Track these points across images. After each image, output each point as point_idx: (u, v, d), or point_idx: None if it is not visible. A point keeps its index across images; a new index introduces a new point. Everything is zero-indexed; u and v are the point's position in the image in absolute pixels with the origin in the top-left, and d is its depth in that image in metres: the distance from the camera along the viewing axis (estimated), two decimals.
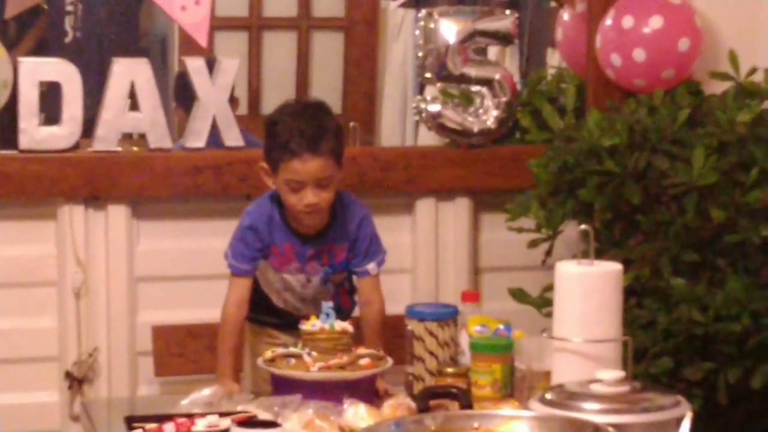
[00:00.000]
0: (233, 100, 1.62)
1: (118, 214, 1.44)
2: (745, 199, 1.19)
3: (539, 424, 0.68)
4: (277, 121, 1.16)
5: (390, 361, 1.03)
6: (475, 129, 1.57)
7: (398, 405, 0.91)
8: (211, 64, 1.50)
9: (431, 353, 1.03)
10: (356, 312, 1.24)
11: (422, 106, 1.60)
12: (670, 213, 1.23)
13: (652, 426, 0.69)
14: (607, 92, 1.54)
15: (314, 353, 0.97)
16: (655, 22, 1.46)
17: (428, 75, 1.59)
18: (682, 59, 1.49)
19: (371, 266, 1.20)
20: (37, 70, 1.44)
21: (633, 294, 1.18)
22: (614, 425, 0.63)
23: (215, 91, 1.47)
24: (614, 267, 0.90)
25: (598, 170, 1.26)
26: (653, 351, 1.14)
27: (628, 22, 1.47)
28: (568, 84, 1.70)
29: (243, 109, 2.20)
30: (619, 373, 0.74)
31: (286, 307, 1.23)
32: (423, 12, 1.65)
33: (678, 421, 0.68)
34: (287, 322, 1.21)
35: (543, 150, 1.44)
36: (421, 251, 1.59)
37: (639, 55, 1.46)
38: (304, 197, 1.10)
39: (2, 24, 2.10)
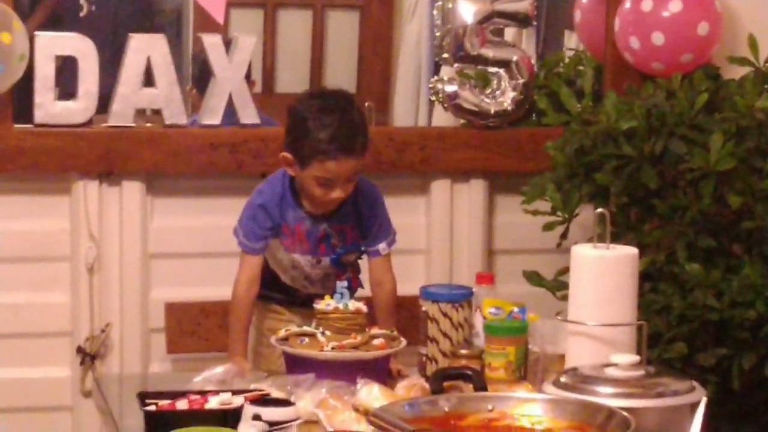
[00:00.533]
0: (250, 81, 1.61)
1: (132, 189, 1.45)
2: (762, 186, 1.18)
3: (553, 406, 0.68)
4: (306, 116, 1.13)
5: (403, 341, 1.03)
6: (492, 110, 1.56)
7: (412, 386, 0.91)
8: (227, 43, 1.49)
9: (445, 334, 1.04)
10: (365, 292, 1.24)
11: (439, 86, 1.58)
12: (687, 198, 1.22)
13: (667, 411, 0.69)
14: (625, 75, 1.53)
15: (328, 333, 0.97)
16: (675, 6, 1.45)
17: (445, 55, 1.57)
18: (700, 43, 1.47)
19: (382, 246, 1.20)
20: (53, 44, 1.43)
21: (648, 279, 1.17)
22: (628, 409, 0.63)
23: (232, 69, 1.46)
24: (630, 251, 0.89)
25: (615, 154, 1.25)
26: (668, 336, 1.14)
27: (647, 5, 1.46)
28: (585, 67, 1.68)
29: (257, 87, 2.19)
30: (634, 358, 0.74)
31: (294, 284, 1.23)
32: None
33: (692, 406, 0.68)
34: (293, 299, 1.23)
35: (560, 132, 1.43)
36: (435, 232, 1.59)
37: (658, 38, 1.44)
38: (332, 192, 1.10)
39: None
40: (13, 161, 1.39)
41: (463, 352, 0.99)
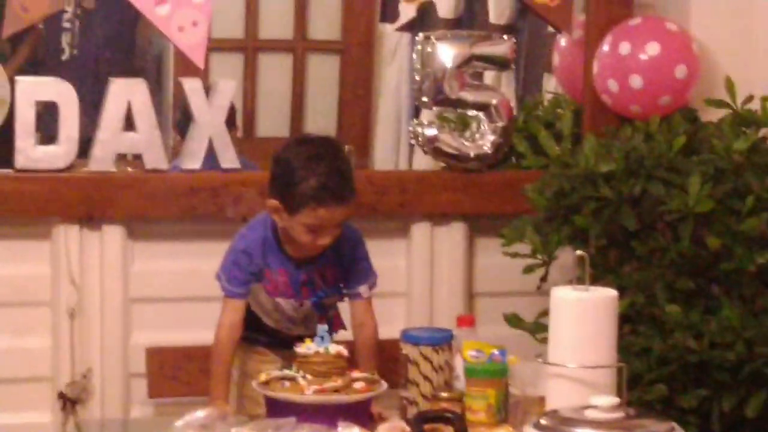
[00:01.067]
0: (234, 125, 1.63)
1: (113, 234, 1.45)
2: (740, 227, 1.20)
3: None
4: (295, 164, 1.13)
5: (384, 384, 1.02)
6: (472, 154, 1.59)
7: (392, 429, 0.91)
8: (208, 88, 1.51)
9: (426, 377, 1.03)
10: (347, 334, 1.23)
11: (419, 129, 1.61)
12: (666, 240, 1.24)
13: None
14: (603, 118, 1.57)
15: (309, 376, 0.96)
16: (652, 49, 1.49)
17: (425, 99, 1.60)
18: (678, 86, 1.51)
19: (363, 289, 1.20)
20: (34, 89, 1.45)
21: (628, 320, 1.18)
22: None
23: (212, 113, 1.48)
24: (609, 293, 0.90)
25: (593, 196, 1.27)
26: (648, 378, 1.14)
27: (624, 48, 1.51)
28: (564, 109, 1.72)
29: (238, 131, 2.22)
30: (614, 400, 0.74)
31: (277, 326, 1.23)
32: (420, 36, 1.67)
33: None
34: (277, 341, 1.22)
35: (539, 175, 1.45)
36: (416, 275, 1.60)
37: (635, 81, 1.49)
38: (320, 238, 1.11)
39: None
40: None
41: (444, 395, 0.98)
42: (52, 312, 1.45)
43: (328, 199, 1.10)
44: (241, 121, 2.42)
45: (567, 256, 1.25)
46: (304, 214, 1.10)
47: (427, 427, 0.87)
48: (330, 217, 1.10)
